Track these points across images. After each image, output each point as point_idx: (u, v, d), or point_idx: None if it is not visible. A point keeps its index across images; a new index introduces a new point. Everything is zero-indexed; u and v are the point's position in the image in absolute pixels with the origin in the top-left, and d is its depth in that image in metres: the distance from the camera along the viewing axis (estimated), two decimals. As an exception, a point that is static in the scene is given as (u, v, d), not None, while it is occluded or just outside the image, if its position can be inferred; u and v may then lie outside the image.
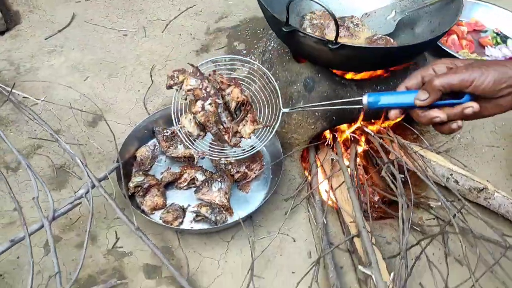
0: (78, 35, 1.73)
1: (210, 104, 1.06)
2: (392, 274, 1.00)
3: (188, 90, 1.07)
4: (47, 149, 1.36)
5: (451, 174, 1.31)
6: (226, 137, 1.12)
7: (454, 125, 0.81)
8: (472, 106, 0.78)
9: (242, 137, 1.12)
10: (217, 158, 1.18)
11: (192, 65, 1.11)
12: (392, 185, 1.20)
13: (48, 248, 1.16)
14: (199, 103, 1.07)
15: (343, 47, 1.09)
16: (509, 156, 1.45)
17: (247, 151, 1.16)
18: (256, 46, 1.70)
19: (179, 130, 1.13)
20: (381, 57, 1.18)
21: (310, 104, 1.17)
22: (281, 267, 1.15)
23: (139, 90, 1.54)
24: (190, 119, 1.11)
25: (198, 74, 1.07)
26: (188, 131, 1.11)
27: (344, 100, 0.98)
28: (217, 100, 1.07)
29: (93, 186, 1.11)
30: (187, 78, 1.07)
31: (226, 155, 1.16)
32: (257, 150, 1.16)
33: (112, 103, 1.49)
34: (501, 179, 1.39)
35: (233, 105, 1.11)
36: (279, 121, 1.13)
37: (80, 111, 1.38)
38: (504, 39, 1.93)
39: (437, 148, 1.42)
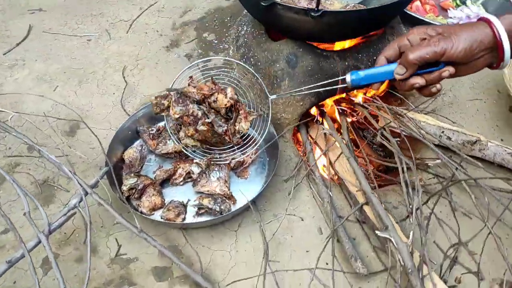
0: (38, 46, 1.64)
1: (202, 124, 1.09)
2: (411, 233, 0.98)
3: (177, 119, 1.11)
4: (26, 166, 1.27)
5: (443, 132, 1.31)
6: (227, 138, 1.13)
7: (433, 89, 0.89)
8: (448, 70, 0.85)
9: (240, 132, 1.15)
10: (228, 162, 1.19)
11: (168, 89, 1.12)
12: (391, 148, 1.18)
13: (47, 268, 1.08)
14: (191, 128, 1.10)
15: (325, 14, 1.07)
16: (492, 108, 1.47)
17: (248, 145, 1.17)
18: (227, 34, 1.66)
19: (184, 148, 1.17)
20: (361, 21, 1.17)
21: (297, 89, 1.18)
22: (294, 247, 1.12)
23: (114, 93, 1.47)
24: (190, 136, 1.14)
25: (180, 101, 1.09)
26: (193, 145, 1.16)
27: (329, 81, 1.02)
28: (206, 120, 1.10)
29: (86, 194, 1.05)
30: (172, 107, 1.10)
31: (232, 154, 1.18)
32: (259, 142, 1.17)
33: (88, 110, 1.41)
34: (488, 131, 1.41)
35: (222, 111, 1.12)
36: (270, 108, 1.13)
37: (57, 119, 1.30)
38: (463, 0, 1.97)
39: (424, 109, 1.42)
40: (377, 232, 1.01)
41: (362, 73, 0.92)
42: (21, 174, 1.24)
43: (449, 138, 1.30)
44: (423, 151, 1.34)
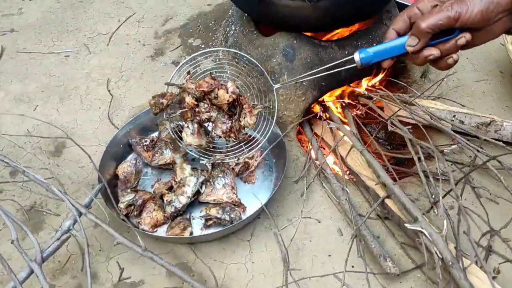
0: (13, 67, 1.53)
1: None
2: (445, 223, 0.89)
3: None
4: (10, 192, 1.15)
5: (454, 116, 1.24)
6: (232, 135, 1.05)
7: (450, 60, 0.79)
8: (464, 36, 0.76)
9: (246, 127, 1.06)
10: (235, 160, 1.11)
11: (167, 83, 1.04)
12: (405, 135, 1.10)
13: (41, 302, 0.95)
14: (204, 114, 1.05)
15: (324, -3, 0.99)
16: (498, 89, 1.41)
17: (252, 142, 1.10)
18: (213, 37, 1.58)
19: (189, 150, 1.08)
20: (358, 4, 1.10)
21: (303, 75, 1.05)
22: (315, 252, 1.02)
23: (99, 107, 1.36)
24: (192, 132, 1.06)
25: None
26: (197, 145, 1.07)
27: (336, 62, 0.91)
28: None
29: (80, 215, 0.94)
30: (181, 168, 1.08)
31: (238, 153, 1.09)
32: (264, 139, 1.08)
33: (73, 127, 1.31)
34: (499, 112, 1.34)
35: (225, 107, 1.03)
36: (276, 98, 1.05)
37: (41, 137, 1.19)
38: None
39: (429, 95, 1.35)
40: (406, 225, 0.92)
41: (371, 50, 0.84)
42: (5, 201, 1.13)
43: (461, 122, 1.23)
44: (435, 138, 1.27)
